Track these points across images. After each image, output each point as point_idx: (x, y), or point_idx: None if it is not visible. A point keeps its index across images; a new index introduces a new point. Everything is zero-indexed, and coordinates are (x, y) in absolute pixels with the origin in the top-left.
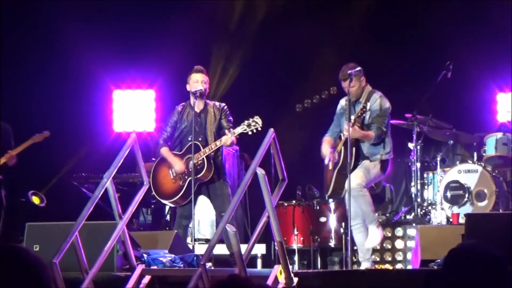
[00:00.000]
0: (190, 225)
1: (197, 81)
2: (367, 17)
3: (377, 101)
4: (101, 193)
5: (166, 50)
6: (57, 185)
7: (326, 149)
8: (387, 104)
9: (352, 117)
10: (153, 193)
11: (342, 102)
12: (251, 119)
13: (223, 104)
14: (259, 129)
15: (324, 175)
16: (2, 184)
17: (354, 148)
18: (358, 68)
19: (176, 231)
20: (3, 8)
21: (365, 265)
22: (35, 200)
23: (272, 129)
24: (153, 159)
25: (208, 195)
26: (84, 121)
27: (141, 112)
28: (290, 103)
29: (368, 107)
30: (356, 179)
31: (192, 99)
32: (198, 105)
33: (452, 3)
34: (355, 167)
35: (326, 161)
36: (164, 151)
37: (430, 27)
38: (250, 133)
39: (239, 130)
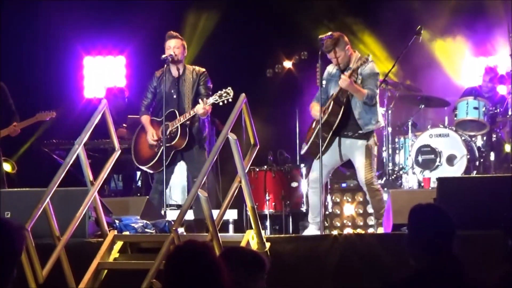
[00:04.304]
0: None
1: (169, 48)
2: None
3: (369, 65)
4: (73, 159)
5: (137, 16)
6: (28, 152)
7: (317, 109)
8: (377, 69)
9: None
10: (133, 158)
11: (330, 68)
12: (223, 90)
13: (203, 70)
14: (230, 100)
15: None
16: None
17: (343, 107)
18: (329, 33)
19: (147, 197)
20: None
21: (312, 229)
22: (6, 167)
23: (243, 94)
24: (124, 125)
25: (185, 161)
26: (55, 87)
27: (111, 78)
28: (261, 68)
29: (359, 71)
30: (367, 172)
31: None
32: (176, 71)
33: None
34: (339, 129)
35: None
36: (144, 119)
37: None
38: (221, 103)
39: (211, 100)
